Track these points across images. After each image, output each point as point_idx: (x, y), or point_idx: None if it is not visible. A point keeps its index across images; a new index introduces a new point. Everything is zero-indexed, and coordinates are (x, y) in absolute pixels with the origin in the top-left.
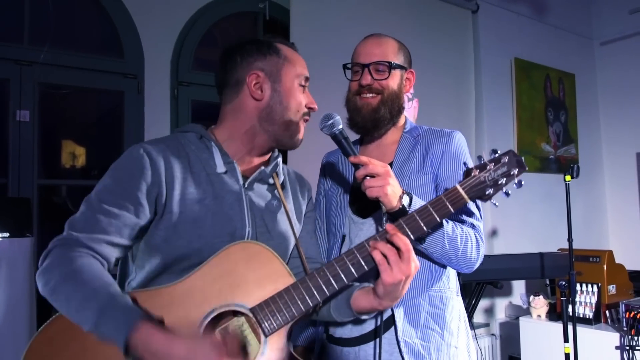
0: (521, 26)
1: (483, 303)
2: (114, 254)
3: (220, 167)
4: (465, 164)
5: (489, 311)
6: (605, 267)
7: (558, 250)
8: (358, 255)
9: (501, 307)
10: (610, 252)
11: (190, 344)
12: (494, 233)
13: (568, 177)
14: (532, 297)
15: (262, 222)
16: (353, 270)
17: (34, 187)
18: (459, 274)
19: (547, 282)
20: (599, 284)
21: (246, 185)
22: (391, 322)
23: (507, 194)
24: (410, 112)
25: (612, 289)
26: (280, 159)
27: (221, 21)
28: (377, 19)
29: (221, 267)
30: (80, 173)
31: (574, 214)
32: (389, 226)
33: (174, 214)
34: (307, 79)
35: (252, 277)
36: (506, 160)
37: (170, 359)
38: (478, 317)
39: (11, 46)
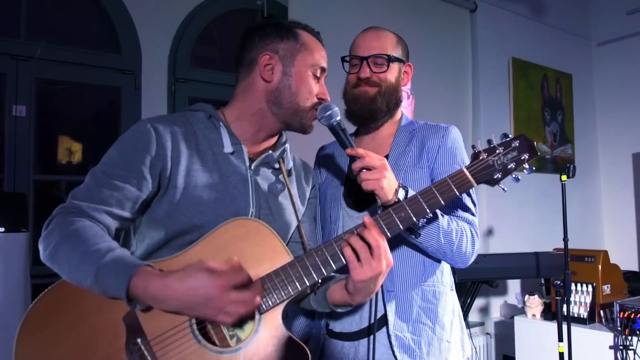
0: (519, 26)
1: (478, 302)
2: (114, 224)
3: (228, 148)
4: (473, 146)
5: (484, 310)
6: (600, 267)
7: (553, 249)
8: (355, 233)
9: (496, 306)
10: (605, 252)
11: (187, 278)
12: (489, 232)
13: (564, 177)
14: (527, 296)
15: (267, 204)
16: None
17: (30, 183)
18: (454, 272)
19: (543, 281)
20: (594, 284)
21: (252, 168)
22: (384, 317)
23: (516, 179)
24: (407, 110)
25: (606, 288)
26: (287, 145)
27: (219, 18)
28: (375, 16)
29: (219, 243)
30: (76, 169)
31: (570, 214)
32: (366, 219)
33: (178, 188)
34: (323, 69)
35: (249, 253)
36: (517, 144)
37: (169, 297)
38: (473, 316)
39: (8, 41)
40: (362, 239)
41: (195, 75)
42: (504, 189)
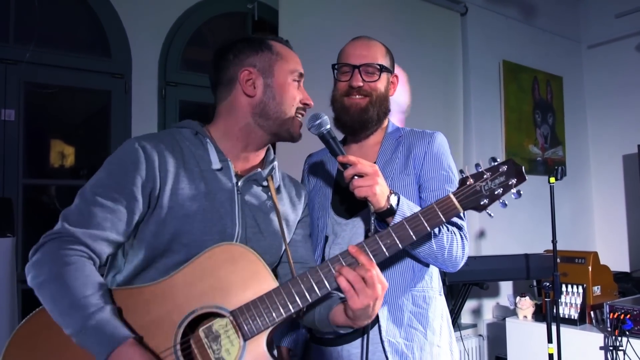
0: (510, 29)
1: (470, 304)
2: (107, 250)
3: (215, 164)
4: (461, 171)
5: (477, 312)
6: (590, 268)
7: (544, 251)
8: (343, 262)
9: (488, 308)
10: (595, 254)
11: None
12: (481, 234)
13: (552, 179)
14: (518, 298)
15: (254, 222)
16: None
17: (19, 187)
18: (444, 274)
19: (535, 283)
20: (584, 285)
21: (239, 184)
22: (375, 321)
23: (504, 204)
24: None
25: (597, 290)
26: (276, 163)
27: (210, 21)
28: (366, 20)
29: (204, 268)
30: (67, 173)
31: (561, 216)
32: (351, 249)
33: (164, 208)
34: (301, 74)
35: (235, 279)
36: (505, 169)
37: None
38: (465, 318)
39: None
40: (354, 270)
41: (186, 79)
42: (490, 215)
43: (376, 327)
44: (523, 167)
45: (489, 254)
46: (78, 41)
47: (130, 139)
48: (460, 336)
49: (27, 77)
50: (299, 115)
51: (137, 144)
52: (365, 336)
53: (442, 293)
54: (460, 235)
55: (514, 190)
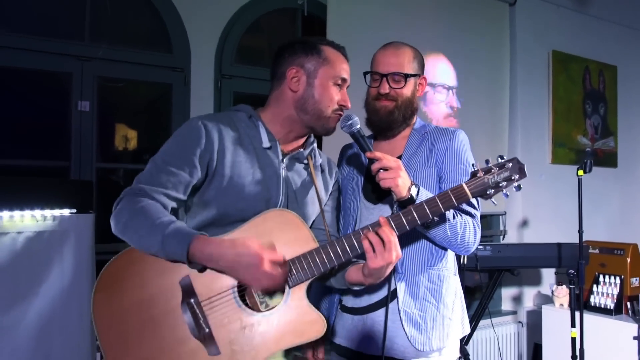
0: (561, 18)
1: (511, 291)
2: (169, 204)
3: (266, 143)
4: (473, 165)
5: (517, 299)
6: (629, 259)
7: (585, 242)
8: (370, 229)
9: (529, 296)
10: (635, 246)
11: (237, 246)
12: (524, 223)
13: (581, 172)
14: (555, 286)
15: (294, 194)
16: None
17: (93, 170)
18: (477, 260)
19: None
20: (622, 276)
21: (284, 161)
22: (394, 294)
23: (506, 195)
24: (452, 99)
25: (635, 281)
26: (315, 144)
27: (262, 17)
28: (414, 12)
29: (259, 228)
30: (133, 155)
31: (610, 208)
32: (381, 219)
33: (225, 176)
34: (344, 80)
35: (283, 238)
36: (510, 166)
37: (221, 257)
38: (506, 305)
39: (73, 43)
40: (378, 235)
41: (240, 72)
42: (494, 202)
43: (395, 299)
44: (525, 165)
45: (530, 242)
46: (143, 39)
47: (194, 117)
48: (491, 323)
49: (99, 71)
50: (336, 115)
51: (200, 122)
52: (386, 307)
53: (457, 274)
54: (473, 224)
55: (515, 184)
